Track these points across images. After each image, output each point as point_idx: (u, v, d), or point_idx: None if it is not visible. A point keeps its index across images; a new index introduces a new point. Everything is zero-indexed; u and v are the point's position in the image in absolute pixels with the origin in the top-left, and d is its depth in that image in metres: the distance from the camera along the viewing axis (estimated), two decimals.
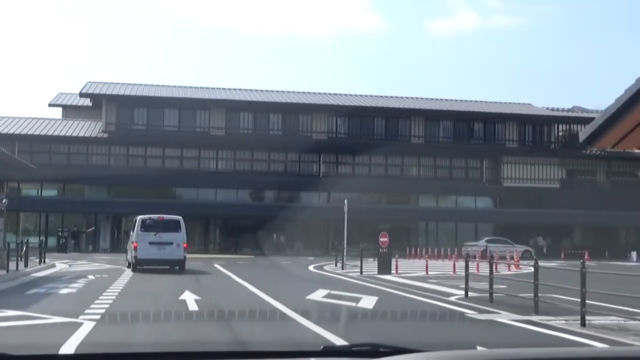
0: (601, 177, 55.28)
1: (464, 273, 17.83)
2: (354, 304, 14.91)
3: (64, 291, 17.77)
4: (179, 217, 27.36)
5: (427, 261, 27.78)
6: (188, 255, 39.36)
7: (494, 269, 17.17)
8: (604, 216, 51.19)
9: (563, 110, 57.88)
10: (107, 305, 14.01)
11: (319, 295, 16.89)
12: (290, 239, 52.51)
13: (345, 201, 31.99)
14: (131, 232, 28.75)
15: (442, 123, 54.08)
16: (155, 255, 25.62)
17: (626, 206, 50.29)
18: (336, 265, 31.39)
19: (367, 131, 53.30)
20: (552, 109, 57.24)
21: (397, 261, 26.59)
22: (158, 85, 54.30)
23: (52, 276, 23.82)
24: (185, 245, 26.05)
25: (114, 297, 15.67)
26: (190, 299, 15.54)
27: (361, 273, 25.61)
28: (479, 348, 3.00)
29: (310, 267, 31.10)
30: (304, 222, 51.69)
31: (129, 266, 28.07)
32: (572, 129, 55.72)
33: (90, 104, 53.75)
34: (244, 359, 3.76)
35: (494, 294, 16.08)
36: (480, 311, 13.89)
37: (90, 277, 23.10)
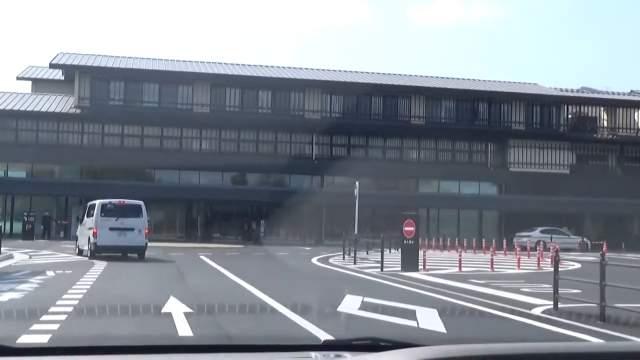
0: (613, 163, 51.02)
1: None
2: (412, 323, 10.27)
3: (5, 297, 12.97)
4: (140, 202, 25.54)
5: (459, 255, 22.98)
6: (169, 245, 35.00)
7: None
8: (616, 204, 47.03)
9: (571, 90, 53.41)
10: (55, 327, 9.29)
11: (352, 305, 12.22)
12: (280, 226, 47.86)
13: (357, 183, 27.43)
14: (85, 218, 26.21)
15: (444, 103, 49.53)
16: (115, 241, 23.89)
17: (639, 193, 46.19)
18: (344, 257, 26.70)
19: (364, 111, 48.62)
20: (560, 90, 52.76)
21: (424, 255, 21.86)
22: (137, 58, 49.18)
23: (1, 271, 18.97)
24: (147, 231, 24.59)
25: (69, 310, 10.91)
26: (177, 311, 10.85)
27: (382, 269, 20.89)
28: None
29: (314, 260, 26.37)
30: (294, 208, 47.14)
31: (79, 253, 25.85)
32: (581, 110, 51.46)
33: (62, 78, 48.63)
34: (242, 352, 3.36)
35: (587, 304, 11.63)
36: (615, 340, 9.26)
37: (50, 273, 18.29)
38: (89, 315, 10.62)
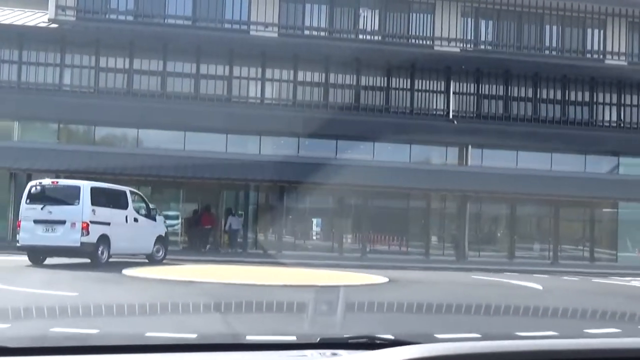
0: None
1: None
2: None
3: None
4: (80, 183, 16.84)
5: None
6: (166, 262, 16.00)
7: None
8: None
9: None
10: None
11: None
12: (390, 229, 27.86)
13: None
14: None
15: None
16: (41, 240, 16.10)
17: None
18: None
19: (530, 43, 28.36)
20: None
21: None
22: None
23: None
24: (84, 225, 16.07)
25: None
26: None
27: None
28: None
29: None
30: (417, 200, 27.51)
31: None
32: None
33: None
34: (235, 351, 3.13)
35: None
36: None
37: None
38: None
